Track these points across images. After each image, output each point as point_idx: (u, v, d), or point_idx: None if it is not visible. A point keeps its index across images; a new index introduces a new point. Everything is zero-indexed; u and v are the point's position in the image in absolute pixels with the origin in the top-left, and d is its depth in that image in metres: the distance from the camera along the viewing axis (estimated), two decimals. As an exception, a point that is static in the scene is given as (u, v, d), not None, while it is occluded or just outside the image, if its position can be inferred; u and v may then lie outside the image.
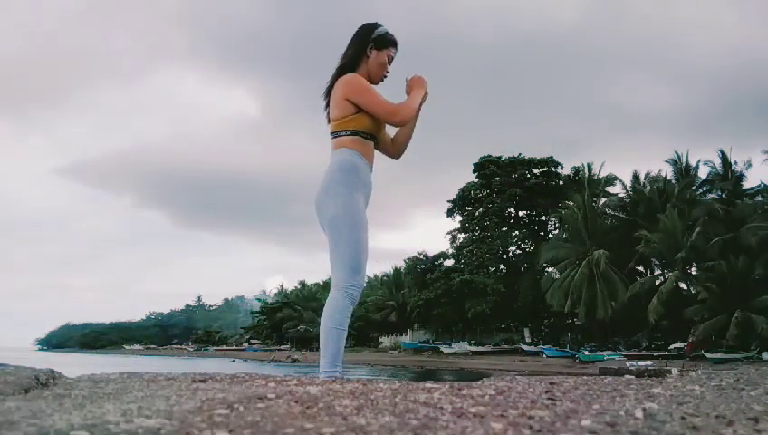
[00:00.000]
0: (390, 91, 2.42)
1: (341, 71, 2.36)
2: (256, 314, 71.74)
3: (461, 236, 42.32)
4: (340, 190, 2.22)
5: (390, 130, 2.49)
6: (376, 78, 2.39)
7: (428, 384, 1.39)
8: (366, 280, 2.32)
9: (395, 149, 2.52)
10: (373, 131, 2.33)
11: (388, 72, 2.41)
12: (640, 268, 33.34)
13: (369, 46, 2.36)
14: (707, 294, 26.48)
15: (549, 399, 1.19)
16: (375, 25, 2.41)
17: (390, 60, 2.41)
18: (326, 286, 52.52)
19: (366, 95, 2.26)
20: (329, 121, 2.37)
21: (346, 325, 2.16)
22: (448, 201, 43.82)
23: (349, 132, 2.27)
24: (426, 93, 2.42)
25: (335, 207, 2.21)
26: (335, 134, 2.31)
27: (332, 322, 2.14)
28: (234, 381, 1.50)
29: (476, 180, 42.39)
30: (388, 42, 2.38)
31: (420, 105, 2.40)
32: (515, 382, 1.52)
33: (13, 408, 0.98)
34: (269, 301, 76.57)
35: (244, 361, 48.10)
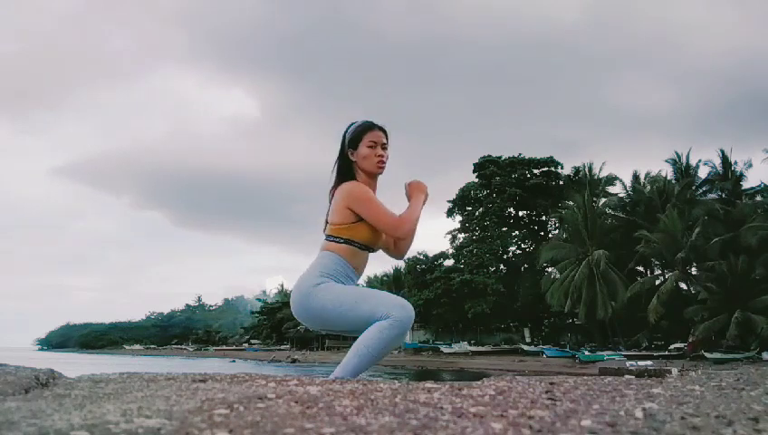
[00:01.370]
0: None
1: (340, 179, 2.29)
2: (256, 314, 71.77)
3: (461, 236, 42.35)
4: (315, 283, 2.10)
5: None
6: (374, 169, 2.29)
7: (428, 384, 1.39)
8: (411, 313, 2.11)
9: (398, 251, 2.42)
10: (369, 243, 2.23)
11: (380, 155, 2.29)
12: (640, 268, 33.36)
13: (348, 153, 2.30)
14: (707, 294, 26.49)
15: (549, 399, 1.19)
16: (346, 130, 2.34)
17: (377, 144, 2.28)
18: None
19: (367, 206, 2.16)
20: (326, 223, 2.27)
21: (380, 357, 2.03)
22: (448, 201, 43.87)
23: (342, 240, 2.19)
24: (426, 197, 2.33)
25: (316, 297, 2.08)
26: (328, 238, 2.22)
27: (378, 351, 1.98)
28: (234, 381, 1.50)
29: (476, 180, 42.41)
30: (358, 135, 2.29)
31: (420, 212, 2.29)
32: (515, 382, 1.52)
33: (13, 408, 0.98)
34: (269, 301, 76.57)
35: (244, 361, 48.10)
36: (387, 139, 2.33)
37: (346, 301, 2.06)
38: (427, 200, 2.34)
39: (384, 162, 2.31)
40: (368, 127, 2.31)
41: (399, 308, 2.01)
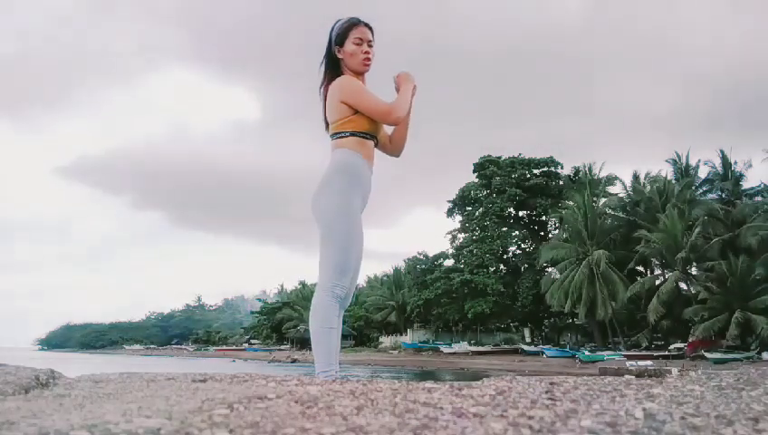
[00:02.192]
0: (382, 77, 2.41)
1: (329, 75, 2.36)
2: (256, 314, 71.74)
3: (461, 236, 42.32)
4: (337, 190, 2.21)
5: (388, 129, 2.48)
6: (360, 67, 2.35)
7: (428, 384, 1.39)
8: (355, 284, 2.31)
9: (394, 147, 2.51)
10: (372, 131, 2.31)
11: (366, 52, 2.33)
12: (640, 268, 33.35)
13: (335, 49, 2.34)
14: (707, 294, 26.49)
15: (549, 399, 1.19)
16: (333, 26, 2.37)
17: (363, 41, 2.33)
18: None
19: (359, 97, 2.24)
20: (327, 126, 2.35)
21: (334, 324, 2.15)
22: (448, 201, 43.86)
23: (348, 133, 2.26)
24: (414, 87, 2.39)
25: (330, 207, 2.20)
26: (334, 136, 2.30)
27: (318, 322, 2.14)
28: (234, 381, 1.50)
29: (476, 180, 42.39)
30: (344, 31, 2.33)
31: (411, 100, 2.38)
32: (515, 382, 1.52)
33: (13, 408, 0.98)
34: (269, 301, 76.57)
35: (244, 361, 48.10)
36: (372, 36, 2.37)
37: (337, 227, 2.17)
38: (415, 92, 2.40)
39: (370, 59, 2.36)
40: (354, 23, 2.34)
41: (328, 275, 2.15)
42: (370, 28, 2.36)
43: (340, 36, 2.33)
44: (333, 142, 2.31)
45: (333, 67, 2.37)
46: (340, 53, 2.34)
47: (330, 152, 2.35)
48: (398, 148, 2.51)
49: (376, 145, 2.38)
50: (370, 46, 2.35)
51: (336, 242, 2.17)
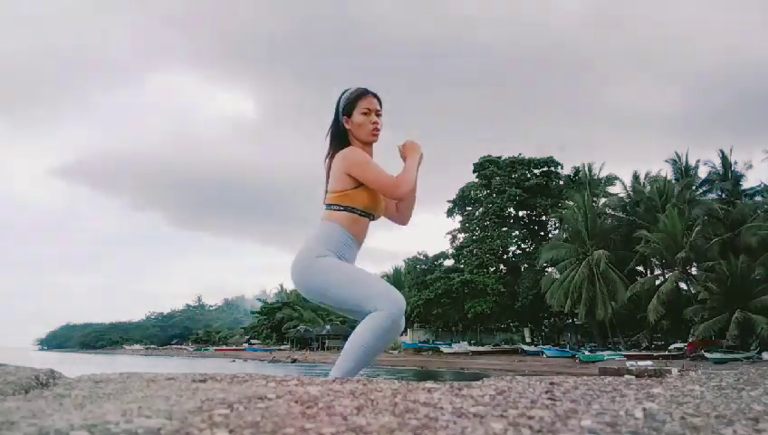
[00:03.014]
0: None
1: (335, 146, 2.28)
2: (256, 314, 71.72)
3: (461, 236, 42.32)
4: (318, 254, 2.11)
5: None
6: (369, 137, 2.28)
7: (428, 384, 1.39)
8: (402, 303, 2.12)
9: (401, 217, 2.43)
10: (369, 208, 2.22)
11: (374, 122, 2.27)
12: (640, 268, 33.35)
13: (343, 120, 2.28)
14: (707, 294, 26.47)
15: (549, 399, 1.19)
16: (339, 97, 2.32)
17: (371, 111, 2.27)
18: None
19: (364, 169, 2.15)
20: (326, 192, 2.26)
21: (375, 354, 2.04)
22: (448, 201, 43.86)
23: (342, 208, 2.17)
24: (421, 157, 2.31)
25: (319, 269, 2.09)
26: (328, 206, 2.21)
27: (373, 341, 1.98)
28: (234, 381, 1.50)
29: (476, 180, 42.39)
30: (353, 102, 2.27)
31: (418, 170, 2.29)
32: (515, 382, 1.52)
33: (13, 408, 0.98)
34: (269, 301, 76.55)
35: (244, 361, 48.09)
36: (380, 106, 2.32)
37: (343, 280, 2.08)
38: (422, 161, 2.33)
39: (378, 130, 2.30)
40: (362, 93, 2.29)
41: (387, 300, 2.01)
42: (378, 98, 2.31)
43: (347, 107, 2.27)
44: (325, 213, 2.22)
45: (340, 138, 2.30)
46: (348, 124, 2.27)
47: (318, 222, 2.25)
48: (405, 218, 2.44)
49: (373, 219, 2.30)
50: (378, 116, 2.29)
51: (350, 285, 2.06)
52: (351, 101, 2.28)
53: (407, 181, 2.21)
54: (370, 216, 2.26)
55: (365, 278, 2.10)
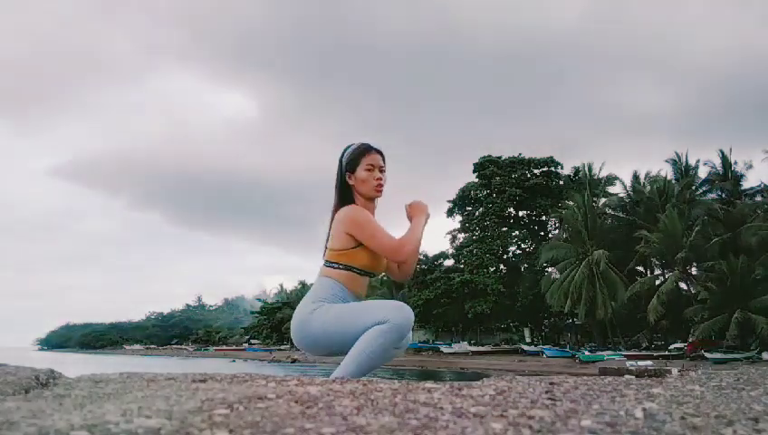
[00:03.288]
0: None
1: (339, 202, 2.27)
2: (256, 314, 71.74)
3: (461, 236, 42.34)
4: (311, 310, 2.10)
5: None
6: (372, 193, 2.27)
7: (428, 384, 1.39)
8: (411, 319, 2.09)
9: (402, 274, 2.40)
10: (369, 268, 2.21)
11: (378, 178, 2.26)
12: (640, 268, 33.36)
13: (345, 176, 2.27)
14: (707, 294, 26.48)
15: (549, 399, 1.19)
16: (343, 153, 2.31)
17: (375, 167, 2.26)
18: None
19: (367, 231, 2.13)
20: (326, 248, 2.25)
21: (380, 362, 2.03)
22: (448, 201, 43.87)
23: (341, 266, 2.16)
24: (427, 217, 2.30)
25: (315, 319, 2.08)
26: (326, 263, 2.20)
27: (380, 346, 1.97)
28: (234, 381, 1.50)
29: (476, 180, 42.40)
30: (356, 158, 2.26)
31: (422, 231, 2.27)
32: (515, 382, 1.52)
33: (13, 408, 0.98)
34: (269, 301, 76.57)
35: (244, 361, 48.09)
36: (384, 161, 2.31)
37: (345, 319, 2.04)
38: (428, 221, 2.31)
39: (382, 186, 2.28)
40: (365, 150, 2.28)
41: (397, 311, 1.99)
42: (382, 154, 2.30)
43: (351, 163, 2.26)
44: (323, 269, 2.21)
45: (343, 193, 2.29)
46: (351, 180, 2.26)
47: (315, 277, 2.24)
48: (406, 275, 2.41)
49: (372, 277, 2.29)
50: (382, 172, 2.28)
51: (351, 319, 2.03)
52: (355, 158, 2.27)
53: (410, 243, 2.17)
54: (370, 274, 2.25)
55: (363, 307, 2.06)
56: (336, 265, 2.17)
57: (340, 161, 2.30)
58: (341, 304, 2.12)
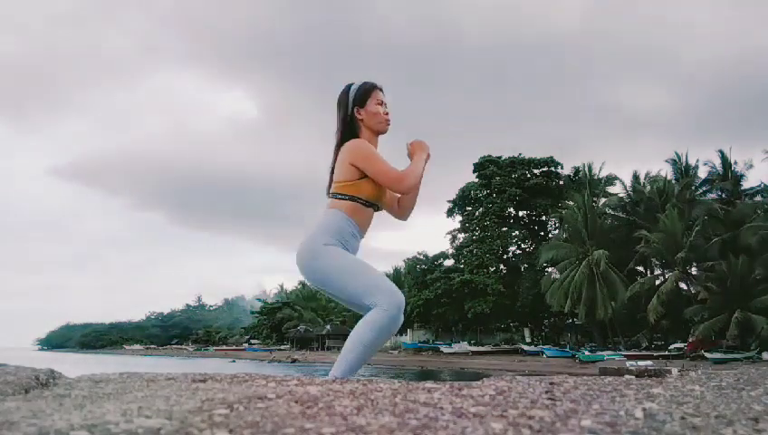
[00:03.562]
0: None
1: (343, 137, 2.31)
2: (256, 314, 71.73)
3: (461, 236, 42.33)
4: (324, 242, 2.14)
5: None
6: (381, 127, 2.35)
7: (428, 384, 1.39)
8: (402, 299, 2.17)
9: (401, 212, 2.48)
10: (373, 199, 2.26)
11: (387, 113, 2.36)
12: (640, 268, 33.35)
13: (353, 110, 2.33)
14: (707, 294, 26.48)
15: (549, 399, 1.19)
16: (348, 88, 2.37)
17: (382, 104, 2.36)
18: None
19: (370, 161, 2.20)
20: (330, 182, 2.31)
21: (374, 350, 2.07)
22: (448, 201, 43.86)
23: (347, 197, 2.22)
24: (428, 156, 2.37)
25: (324, 256, 2.13)
26: (333, 195, 2.25)
27: (371, 342, 2.02)
28: (234, 381, 1.50)
29: (476, 180, 42.39)
30: (366, 92, 2.34)
31: (423, 168, 2.35)
32: (515, 382, 1.52)
33: (13, 408, 0.98)
34: (269, 301, 76.54)
35: (244, 361, 48.09)
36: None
37: (345, 269, 2.12)
38: (429, 159, 2.39)
39: (390, 121, 2.38)
40: (374, 86, 2.38)
41: (386, 296, 2.05)
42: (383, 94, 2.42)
43: (362, 97, 2.34)
44: (329, 202, 2.26)
45: (349, 128, 2.34)
46: (360, 114, 2.33)
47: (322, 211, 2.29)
48: (406, 213, 2.49)
49: (377, 209, 2.34)
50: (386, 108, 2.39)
51: (353, 275, 2.10)
52: (366, 92, 2.35)
53: (413, 175, 2.26)
54: (375, 206, 2.31)
55: (367, 271, 2.13)
56: (342, 196, 2.23)
57: (347, 97, 2.36)
58: (347, 255, 2.16)
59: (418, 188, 2.40)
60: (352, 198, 2.22)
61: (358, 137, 2.31)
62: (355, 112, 2.34)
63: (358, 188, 2.22)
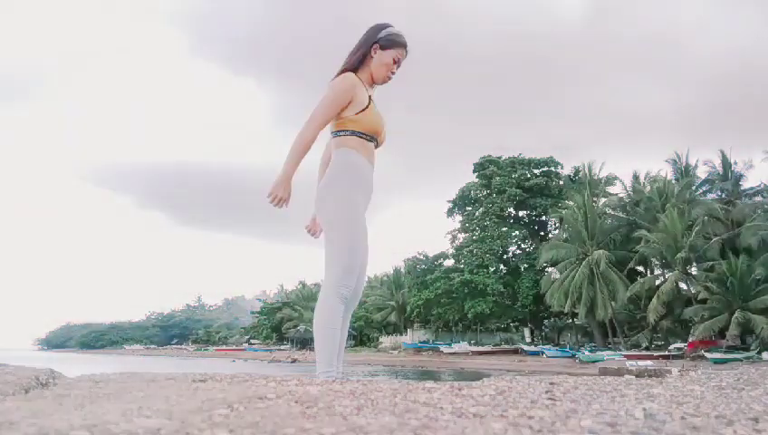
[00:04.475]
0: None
1: (344, 70, 2.35)
2: (256, 314, 71.72)
3: (461, 236, 42.30)
4: (341, 191, 2.22)
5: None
6: (379, 78, 2.37)
7: (428, 384, 1.39)
8: (363, 283, 2.32)
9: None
10: (373, 133, 2.31)
11: (393, 72, 2.39)
12: (640, 268, 33.33)
13: (374, 45, 2.34)
14: (707, 294, 26.47)
15: (549, 399, 1.19)
16: (384, 26, 2.39)
17: (398, 62, 2.38)
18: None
19: (327, 98, 2.23)
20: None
21: (337, 324, 2.14)
22: (448, 201, 43.83)
23: (349, 133, 2.26)
24: (278, 186, 2.31)
25: (334, 207, 2.21)
26: (335, 133, 2.30)
27: (322, 322, 2.13)
28: (234, 381, 1.50)
29: (476, 180, 42.38)
30: (395, 43, 2.36)
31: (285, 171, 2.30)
32: (515, 382, 1.52)
33: (13, 408, 0.98)
34: (269, 301, 76.52)
35: (244, 361, 48.10)
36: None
37: (342, 230, 2.19)
38: (280, 186, 2.35)
39: (390, 79, 2.40)
40: (402, 44, 2.39)
41: (332, 278, 2.14)
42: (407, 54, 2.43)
43: (388, 42, 2.35)
44: (335, 141, 2.31)
45: (357, 60, 2.36)
46: (375, 54, 2.34)
47: (328, 145, 2.37)
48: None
49: (377, 147, 2.39)
50: (398, 67, 2.41)
51: (341, 242, 2.18)
52: (392, 43, 2.36)
53: (294, 150, 2.22)
54: (375, 141, 2.35)
55: (351, 245, 2.18)
56: (344, 132, 2.27)
57: (376, 34, 2.36)
58: (357, 224, 2.21)
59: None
60: (354, 133, 2.26)
61: (357, 70, 2.34)
62: (371, 50, 2.35)
63: (357, 123, 2.26)
